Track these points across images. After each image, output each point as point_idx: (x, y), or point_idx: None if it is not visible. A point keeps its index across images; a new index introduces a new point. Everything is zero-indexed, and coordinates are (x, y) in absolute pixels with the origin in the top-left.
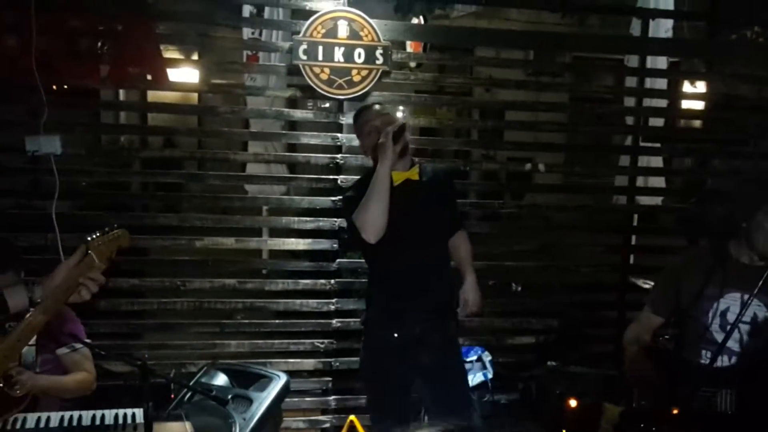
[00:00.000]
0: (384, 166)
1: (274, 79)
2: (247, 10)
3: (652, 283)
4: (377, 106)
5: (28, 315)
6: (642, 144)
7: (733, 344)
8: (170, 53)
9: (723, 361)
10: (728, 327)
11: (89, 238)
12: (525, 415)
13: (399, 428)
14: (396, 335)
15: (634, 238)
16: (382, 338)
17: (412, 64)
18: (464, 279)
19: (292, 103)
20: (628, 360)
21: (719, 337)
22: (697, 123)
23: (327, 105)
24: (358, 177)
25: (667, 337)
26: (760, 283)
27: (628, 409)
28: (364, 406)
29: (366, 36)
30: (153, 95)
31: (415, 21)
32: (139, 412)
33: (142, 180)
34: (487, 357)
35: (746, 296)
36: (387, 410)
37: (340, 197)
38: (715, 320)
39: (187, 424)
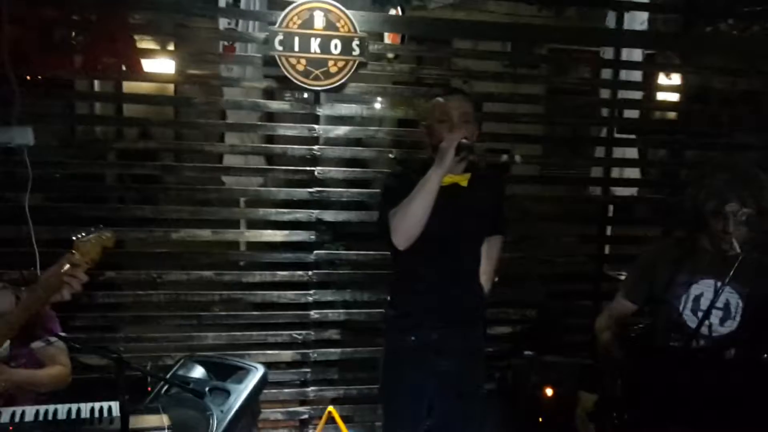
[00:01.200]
0: (437, 173)
1: (250, 70)
2: (223, 0)
3: (627, 272)
4: (464, 97)
5: (6, 315)
6: (617, 135)
7: (704, 329)
8: (146, 43)
9: (693, 345)
10: (699, 312)
11: (75, 237)
12: (502, 404)
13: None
14: (413, 338)
15: (609, 229)
16: (399, 341)
17: (390, 56)
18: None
19: (269, 94)
20: (602, 346)
21: (691, 321)
22: (672, 115)
23: (305, 96)
24: (401, 163)
25: (641, 325)
26: (732, 271)
27: (603, 398)
28: (342, 397)
29: (342, 27)
30: (128, 86)
31: (393, 12)
32: (115, 405)
33: (117, 172)
34: None
35: (719, 283)
36: (399, 415)
37: (317, 189)
38: (687, 305)
39: (164, 417)
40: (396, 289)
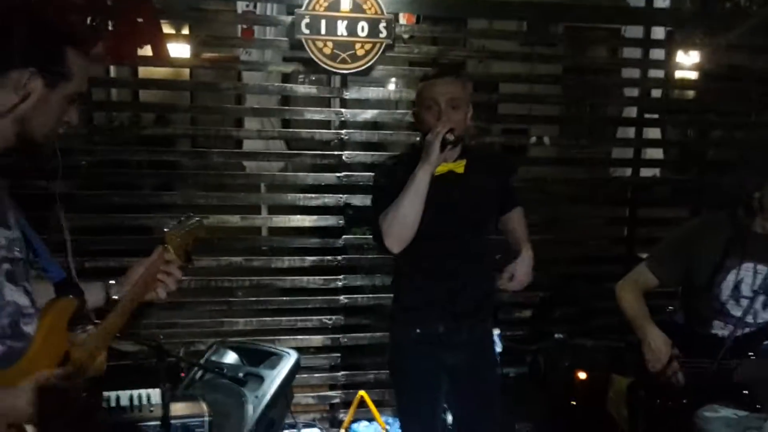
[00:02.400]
0: (424, 169)
1: (269, 53)
2: None
3: (658, 246)
4: (453, 79)
5: (104, 320)
6: (646, 116)
7: (748, 317)
8: (165, 28)
9: (736, 333)
10: (741, 298)
11: (166, 230)
12: (534, 388)
13: (423, 427)
14: (418, 331)
15: (636, 210)
16: (405, 334)
17: (405, 37)
18: (520, 253)
19: (286, 77)
20: (649, 341)
21: (733, 308)
22: (697, 94)
23: (314, 78)
24: (391, 157)
25: (672, 308)
26: None
27: (638, 382)
28: (373, 381)
29: (369, 9)
30: (145, 71)
31: None
32: (154, 393)
33: (146, 158)
34: (495, 331)
35: (760, 266)
36: (410, 408)
37: (345, 174)
38: (728, 291)
39: (203, 404)
40: (399, 284)
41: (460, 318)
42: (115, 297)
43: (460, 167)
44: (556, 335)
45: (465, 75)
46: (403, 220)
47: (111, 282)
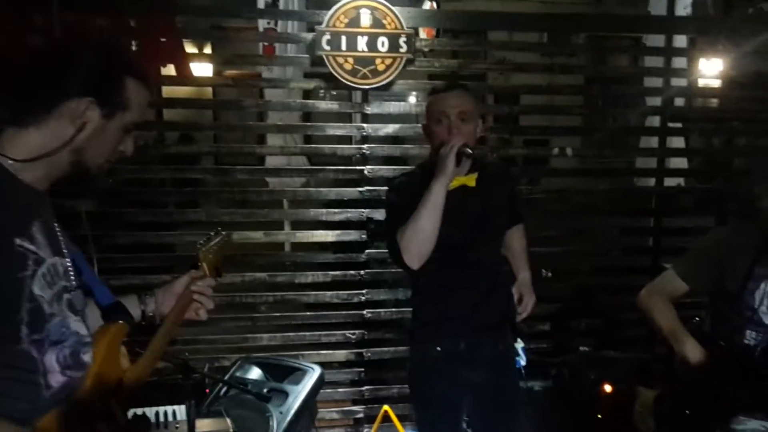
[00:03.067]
0: (440, 183)
1: (291, 70)
2: (262, 1)
3: (686, 254)
4: (462, 92)
5: (151, 343)
6: (670, 125)
7: None
8: (187, 47)
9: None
10: None
11: (199, 245)
12: (559, 401)
13: None
14: (438, 349)
15: (661, 220)
16: (425, 352)
17: (425, 51)
18: (517, 275)
19: (307, 94)
20: (687, 356)
21: (765, 317)
22: (720, 101)
23: (334, 93)
24: (404, 174)
25: (698, 319)
26: None
27: (665, 394)
28: (397, 396)
29: (389, 24)
30: (168, 90)
31: (427, 5)
32: (179, 409)
33: (170, 176)
34: (519, 344)
35: None
36: (431, 428)
37: (368, 188)
38: (761, 300)
39: (228, 421)
40: (418, 302)
41: (482, 333)
42: (151, 314)
43: (471, 181)
44: (580, 348)
45: (471, 89)
46: (422, 235)
47: (146, 295)
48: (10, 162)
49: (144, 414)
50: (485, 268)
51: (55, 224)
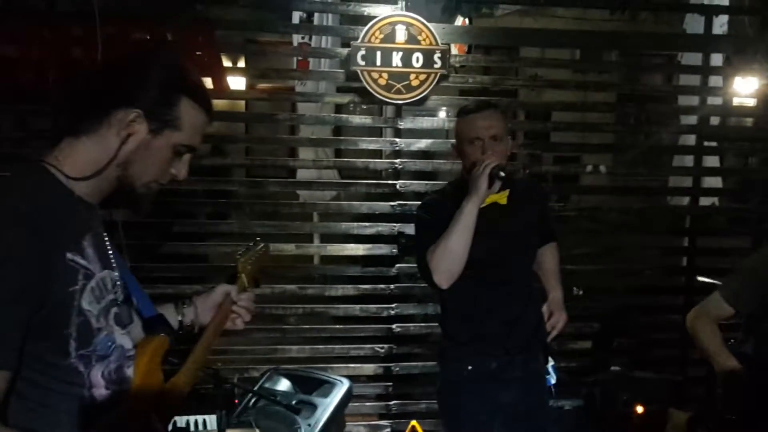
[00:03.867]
0: (472, 203)
1: (324, 84)
2: (296, 16)
3: (730, 276)
4: (493, 112)
5: (192, 354)
6: (706, 144)
7: None
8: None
9: None
10: None
11: (238, 256)
12: (590, 421)
13: None
14: (470, 368)
15: (696, 239)
16: (456, 371)
17: (457, 66)
18: (548, 293)
19: (339, 108)
20: (725, 373)
21: None
22: (757, 121)
23: (365, 107)
24: (435, 191)
25: (733, 340)
26: None
27: (701, 416)
28: (424, 411)
29: (424, 40)
30: None
31: (459, 21)
32: (209, 419)
33: (204, 187)
34: (550, 362)
35: None
36: None
37: (399, 203)
38: None
39: (257, 431)
40: (449, 320)
41: (513, 352)
42: (189, 323)
43: (503, 198)
44: (612, 367)
45: (502, 108)
46: (452, 255)
47: (183, 305)
48: (64, 178)
49: (186, 427)
50: (517, 286)
51: (105, 237)
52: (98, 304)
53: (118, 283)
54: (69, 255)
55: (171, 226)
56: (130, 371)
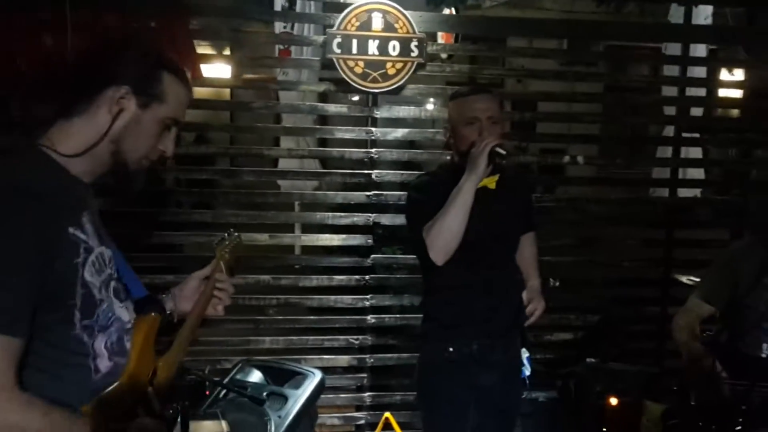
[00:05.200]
0: (470, 181)
1: (306, 73)
2: (279, 4)
3: (703, 273)
4: (490, 96)
5: (178, 336)
6: (684, 135)
7: None
8: (202, 49)
9: None
10: None
11: (215, 244)
12: (564, 413)
13: None
14: (451, 349)
15: (674, 232)
16: (437, 353)
17: (443, 56)
18: (527, 281)
19: (323, 97)
20: (688, 358)
21: None
22: (739, 112)
23: (356, 98)
24: (425, 174)
25: (710, 332)
26: None
27: (675, 407)
28: (399, 403)
29: (401, 28)
30: None
31: (447, 12)
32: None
33: (175, 176)
34: (525, 354)
35: None
36: (437, 427)
37: (375, 193)
38: None
39: (223, 423)
40: (431, 302)
41: (495, 336)
42: (170, 311)
43: (492, 183)
44: (588, 359)
45: (497, 94)
46: (449, 232)
47: (163, 296)
48: (60, 157)
49: (178, 404)
50: (500, 271)
51: (98, 215)
52: (99, 277)
53: (113, 259)
54: (71, 229)
55: (148, 216)
56: (128, 345)
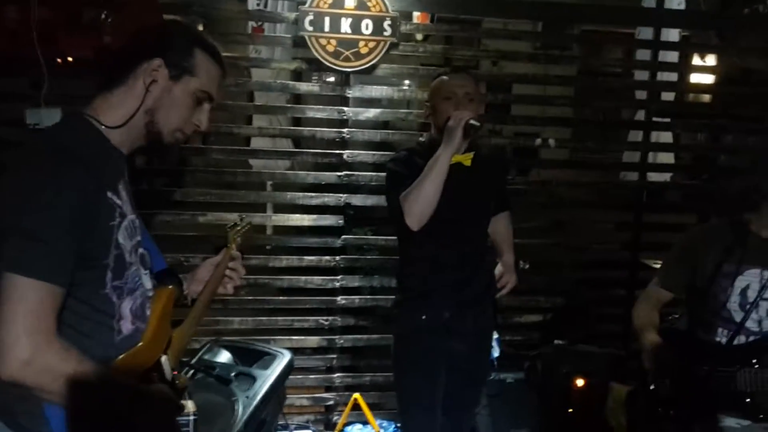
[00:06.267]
0: (446, 152)
1: (279, 51)
2: None
3: (663, 258)
4: (467, 76)
5: (191, 313)
6: (655, 119)
7: (751, 324)
8: None
9: (740, 340)
10: (747, 305)
11: (228, 229)
12: (531, 393)
13: (426, 416)
14: (424, 317)
15: (643, 215)
16: (410, 322)
17: (419, 37)
18: (501, 257)
19: (297, 76)
20: (646, 346)
21: (737, 315)
22: (710, 98)
23: (332, 78)
24: (404, 149)
25: (676, 316)
26: None
27: (638, 390)
28: (368, 384)
29: (374, 6)
30: None
31: None
32: None
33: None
34: (494, 336)
35: (766, 273)
36: (414, 397)
37: (346, 173)
38: (733, 298)
39: (190, 403)
40: (405, 273)
41: (465, 305)
42: (185, 292)
43: (467, 160)
44: (556, 341)
45: (475, 76)
46: (425, 199)
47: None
48: (102, 127)
49: (187, 373)
50: (472, 244)
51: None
52: (130, 242)
53: (140, 229)
54: (109, 194)
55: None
56: (149, 312)
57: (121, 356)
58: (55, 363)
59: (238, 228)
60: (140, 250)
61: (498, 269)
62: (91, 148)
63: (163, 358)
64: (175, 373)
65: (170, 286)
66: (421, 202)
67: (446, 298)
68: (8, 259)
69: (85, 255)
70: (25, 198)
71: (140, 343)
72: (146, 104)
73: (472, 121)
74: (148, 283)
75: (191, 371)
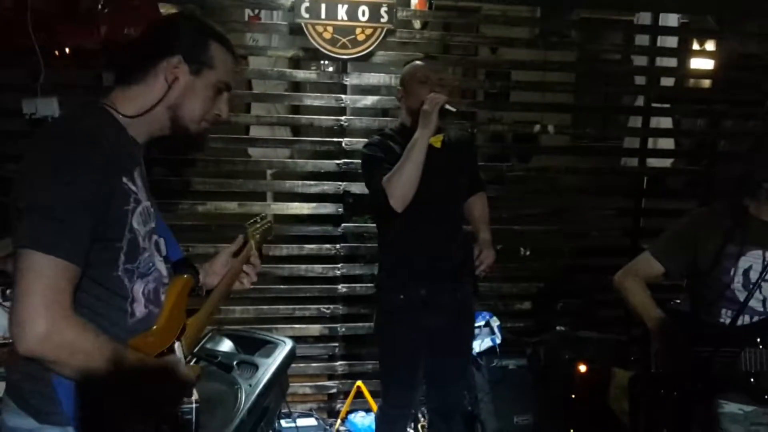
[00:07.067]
0: (423, 134)
1: (276, 39)
2: None
3: (662, 234)
4: (439, 63)
5: (206, 304)
6: (654, 105)
7: (755, 303)
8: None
9: (744, 320)
10: (751, 285)
11: (247, 225)
12: (534, 380)
13: (407, 393)
14: (402, 296)
15: (644, 201)
16: (390, 301)
17: (417, 24)
18: (478, 235)
19: (296, 64)
20: (655, 323)
21: (741, 295)
22: (709, 83)
23: (330, 67)
24: (378, 134)
25: (678, 301)
26: None
27: (640, 374)
28: (370, 372)
29: None
30: None
31: None
32: None
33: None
34: (495, 322)
35: None
36: (395, 374)
37: (345, 161)
38: (737, 278)
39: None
40: (383, 254)
41: (442, 281)
42: (200, 284)
43: (437, 142)
44: (557, 327)
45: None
46: (408, 181)
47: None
48: (120, 116)
49: (189, 362)
50: (445, 223)
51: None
52: (144, 227)
53: (155, 217)
54: (125, 179)
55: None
56: (163, 297)
57: (134, 338)
58: (73, 338)
59: (258, 225)
60: (154, 237)
61: (476, 247)
62: (108, 134)
63: (177, 345)
64: (188, 362)
65: (186, 275)
66: (404, 184)
67: (421, 277)
68: (26, 236)
69: (100, 236)
70: (43, 177)
71: (154, 326)
72: (168, 100)
73: (448, 106)
74: (163, 269)
75: (194, 359)
